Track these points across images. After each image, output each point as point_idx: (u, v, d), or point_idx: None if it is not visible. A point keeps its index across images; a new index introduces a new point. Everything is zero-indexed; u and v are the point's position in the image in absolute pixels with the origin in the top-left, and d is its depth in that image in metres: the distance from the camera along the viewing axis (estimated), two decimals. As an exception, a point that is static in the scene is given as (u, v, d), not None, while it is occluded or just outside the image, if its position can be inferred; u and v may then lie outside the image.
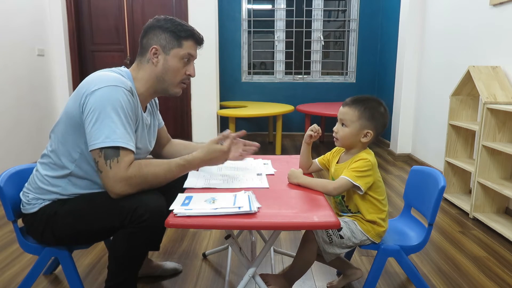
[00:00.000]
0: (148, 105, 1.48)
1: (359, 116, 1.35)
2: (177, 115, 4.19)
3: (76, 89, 1.26)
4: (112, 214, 1.20)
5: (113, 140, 1.16)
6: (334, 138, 1.42)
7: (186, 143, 1.70)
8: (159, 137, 1.62)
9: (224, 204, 1.12)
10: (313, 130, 1.45)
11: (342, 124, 1.39)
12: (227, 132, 1.42)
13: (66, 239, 1.30)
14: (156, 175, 1.23)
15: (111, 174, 1.17)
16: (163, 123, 1.66)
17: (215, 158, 1.33)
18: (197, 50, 1.43)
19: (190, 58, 1.39)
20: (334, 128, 1.41)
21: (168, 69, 1.36)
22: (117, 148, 1.17)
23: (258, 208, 1.11)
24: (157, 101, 1.60)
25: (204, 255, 1.95)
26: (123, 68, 1.38)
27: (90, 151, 1.18)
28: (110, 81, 1.21)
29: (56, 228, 1.26)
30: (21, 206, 1.33)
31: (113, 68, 1.35)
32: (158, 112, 1.62)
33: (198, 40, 1.40)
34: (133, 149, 1.22)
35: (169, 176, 1.26)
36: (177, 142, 1.70)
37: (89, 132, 1.18)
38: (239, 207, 1.09)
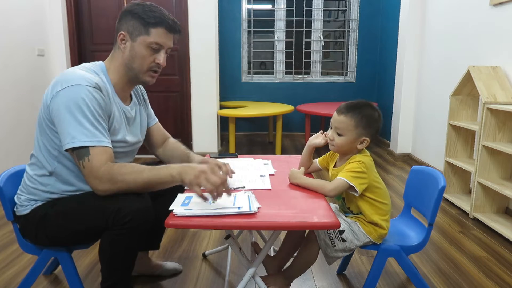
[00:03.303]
0: (134, 97, 1.46)
1: (356, 125, 1.33)
2: (177, 115, 4.19)
3: (48, 87, 1.25)
4: (96, 215, 1.18)
5: (80, 141, 1.16)
6: (330, 145, 1.41)
7: (182, 148, 1.59)
8: (151, 136, 1.58)
9: (224, 204, 1.12)
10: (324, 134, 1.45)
11: (338, 134, 1.36)
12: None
13: (59, 240, 1.29)
14: (124, 177, 1.17)
15: (86, 173, 1.17)
16: (156, 120, 1.61)
17: (194, 168, 1.15)
18: (173, 39, 1.35)
19: (159, 47, 1.32)
20: (329, 136, 1.39)
21: (135, 57, 1.31)
22: (86, 148, 1.16)
23: (258, 208, 1.11)
24: (145, 96, 1.57)
25: (204, 255, 1.95)
26: (98, 62, 1.35)
27: (65, 151, 1.19)
28: (73, 80, 1.19)
29: (48, 229, 1.26)
30: (15, 209, 1.33)
31: (88, 64, 1.33)
32: (149, 107, 1.59)
33: (170, 28, 1.32)
34: (107, 144, 1.20)
35: (140, 180, 1.17)
36: (172, 145, 1.61)
37: (60, 133, 1.19)
38: (239, 207, 1.09)
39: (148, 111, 1.59)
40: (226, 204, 1.12)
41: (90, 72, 1.28)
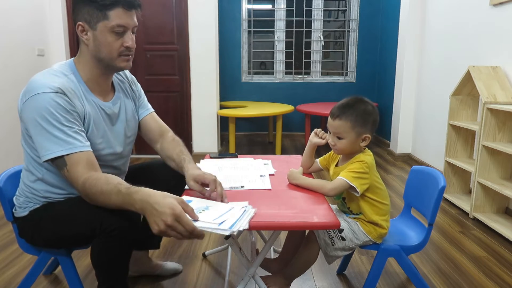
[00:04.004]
0: (118, 90, 1.39)
1: (353, 126, 1.32)
2: (177, 115, 4.19)
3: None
4: (84, 223, 1.16)
5: (54, 151, 1.13)
6: (333, 149, 1.41)
7: (177, 151, 1.43)
8: (145, 129, 1.49)
9: (209, 217, 1.03)
10: (318, 133, 1.45)
11: (339, 137, 1.35)
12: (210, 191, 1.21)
13: (53, 243, 1.28)
14: (95, 197, 1.10)
15: (70, 181, 1.16)
16: (149, 111, 1.51)
17: (163, 208, 0.96)
18: (136, 15, 1.25)
19: (124, 29, 1.22)
20: (330, 141, 1.38)
21: (100, 46, 1.22)
22: (62, 158, 1.13)
23: (239, 230, 0.99)
24: (134, 86, 1.48)
25: (204, 255, 1.95)
26: (68, 60, 1.30)
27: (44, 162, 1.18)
28: (34, 89, 1.14)
29: (43, 233, 1.25)
30: (13, 210, 1.32)
31: (59, 63, 1.28)
32: (143, 97, 1.51)
33: (128, 5, 1.20)
34: (83, 149, 1.15)
35: (109, 204, 1.08)
36: (168, 144, 1.47)
37: (35, 145, 1.17)
38: (220, 223, 0.99)
39: (140, 101, 1.50)
40: (211, 217, 1.03)
41: (57, 74, 1.22)
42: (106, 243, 1.15)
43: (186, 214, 0.99)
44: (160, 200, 0.98)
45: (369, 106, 1.35)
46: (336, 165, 1.45)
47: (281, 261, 1.52)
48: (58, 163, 1.15)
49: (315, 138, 1.45)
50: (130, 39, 1.25)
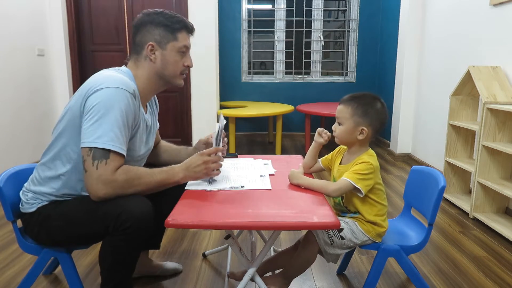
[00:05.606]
0: (148, 106, 1.47)
1: (352, 114, 1.35)
2: (177, 115, 4.19)
3: (80, 87, 1.25)
4: (97, 220, 1.18)
5: (104, 142, 1.14)
6: (334, 137, 1.42)
7: (171, 145, 1.68)
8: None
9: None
10: (321, 133, 1.46)
11: (339, 123, 1.39)
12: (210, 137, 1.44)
13: (59, 241, 1.29)
14: (140, 178, 1.21)
15: (96, 175, 1.15)
16: (158, 125, 1.64)
17: (194, 162, 1.27)
18: (190, 39, 1.44)
19: (186, 50, 1.40)
20: (333, 127, 1.41)
21: (167, 64, 1.36)
22: (108, 151, 1.15)
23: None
24: (157, 103, 1.59)
25: (204, 255, 1.95)
26: (124, 68, 1.36)
27: (81, 148, 1.17)
28: (115, 82, 1.20)
29: (50, 230, 1.25)
30: (20, 205, 1.32)
31: (115, 68, 1.34)
32: (157, 114, 1.61)
33: (190, 30, 1.40)
34: (124, 153, 1.20)
35: (152, 181, 1.23)
36: (164, 144, 1.68)
37: (84, 129, 1.17)
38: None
39: (156, 117, 1.61)
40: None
41: (126, 77, 1.29)
42: (119, 241, 1.17)
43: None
44: (191, 161, 1.28)
45: (378, 104, 1.37)
46: (340, 163, 1.45)
47: (276, 264, 1.52)
48: (98, 153, 1.15)
49: (319, 138, 1.46)
50: (190, 59, 1.42)
